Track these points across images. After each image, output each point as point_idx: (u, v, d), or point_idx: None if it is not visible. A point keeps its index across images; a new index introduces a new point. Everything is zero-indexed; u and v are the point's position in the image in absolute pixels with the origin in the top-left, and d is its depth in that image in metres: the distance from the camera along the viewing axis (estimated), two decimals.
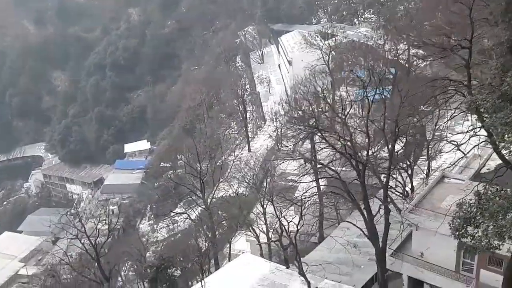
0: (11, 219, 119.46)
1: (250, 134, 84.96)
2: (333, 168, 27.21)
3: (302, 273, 22.32)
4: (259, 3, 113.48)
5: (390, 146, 26.72)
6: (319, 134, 26.14)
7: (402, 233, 23.41)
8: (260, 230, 39.62)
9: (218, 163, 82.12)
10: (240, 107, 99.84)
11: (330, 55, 67.51)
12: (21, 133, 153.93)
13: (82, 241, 44.72)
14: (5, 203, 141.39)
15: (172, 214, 62.14)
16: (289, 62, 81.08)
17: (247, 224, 39.24)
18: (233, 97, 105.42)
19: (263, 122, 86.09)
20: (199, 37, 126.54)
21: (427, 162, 37.92)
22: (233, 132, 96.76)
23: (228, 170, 53.91)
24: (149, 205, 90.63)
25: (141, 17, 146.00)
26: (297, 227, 27.82)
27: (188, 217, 48.32)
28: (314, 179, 45.53)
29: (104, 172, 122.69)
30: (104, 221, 76.59)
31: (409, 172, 34.58)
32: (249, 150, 73.61)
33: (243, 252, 50.35)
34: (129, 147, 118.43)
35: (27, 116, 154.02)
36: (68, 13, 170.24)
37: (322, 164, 26.89)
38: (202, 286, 21.85)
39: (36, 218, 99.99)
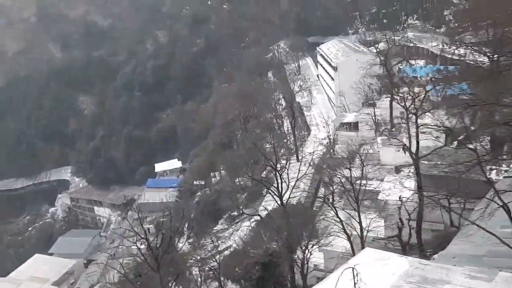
0: (38, 245, 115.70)
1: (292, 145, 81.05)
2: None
3: None
4: (292, 16, 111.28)
5: None
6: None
7: None
8: (353, 230, 34.64)
9: (263, 174, 78.28)
10: (277, 120, 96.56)
11: (386, 56, 63.48)
12: (46, 157, 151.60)
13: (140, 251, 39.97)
14: (30, 228, 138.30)
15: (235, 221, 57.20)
16: (335, 68, 77.34)
17: (341, 224, 34.25)
18: (268, 111, 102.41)
19: (306, 133, 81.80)
20: (229, 54, 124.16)
21: None
22: (270, 146, 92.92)
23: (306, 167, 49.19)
24: (187, 223, 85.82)
25: (169, 37, 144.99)
26: None
27: (259, 217, 43.16)
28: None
29: (134, 193, 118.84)
30: (141, 241, 71.96)
31: None
32: (298, 159, 68.93)
33: (315, 265, 45.11)
34: (159, 167, 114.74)
35: (53, 140, 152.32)
36: (93, 37, 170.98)
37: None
38: (355, 276, 16.87)
39: (67, 239, 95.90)
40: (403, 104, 35.96)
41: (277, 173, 36.91)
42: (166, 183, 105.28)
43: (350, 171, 35.01)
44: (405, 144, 34.26)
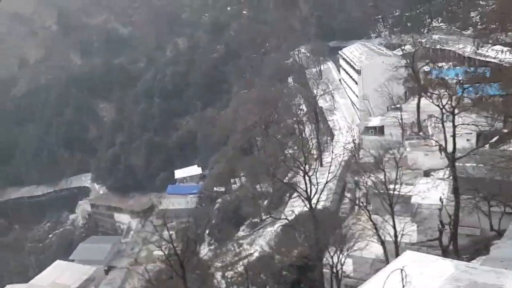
0: (58, 252, 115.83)
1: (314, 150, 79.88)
2: None
3: None
4: (313, 21, 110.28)
5: None
6: None
7: None
8: (386, 235, 33.05)
9: (285, 180, 76.75)
10: (299, 125, 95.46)
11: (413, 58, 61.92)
12: (66, 164, 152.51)
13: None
14: (50, 235, 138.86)
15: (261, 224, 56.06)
16: (358, 72, 75.92)
17: (374, 228, 32.67)
18: (289, 116, 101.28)
19: (329, 138, 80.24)
20: (249, 60, 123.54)
21: None
22: (292, 151, 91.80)
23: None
24: (207, 230, 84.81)
25: (189, 43, 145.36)
26: None
27: (287, 221, 41.73)
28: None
29: (155, 200, 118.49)
30: (164, 246, 70.78)
31: None
32: (321, 165, 67.43)
33: (343, 272, 43.45)
34: (179, 173, 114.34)
35: (73, 147, 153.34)
36: (113, 44, 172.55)
37: None
38: (403, 278, 15.55)
39: (88, 246, 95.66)
40: (438, 103, 34.38)
41: (306, 175, 35.57)
42: (186, 190, 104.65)
43: (385, 174, 33.49)
44: (441, 145, 32.67)
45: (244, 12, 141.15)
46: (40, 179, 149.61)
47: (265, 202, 79.16)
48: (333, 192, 56.97)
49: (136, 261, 69.15)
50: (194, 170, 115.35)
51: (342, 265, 32.60)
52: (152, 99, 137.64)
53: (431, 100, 35.89)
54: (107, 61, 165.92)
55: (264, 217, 74.95)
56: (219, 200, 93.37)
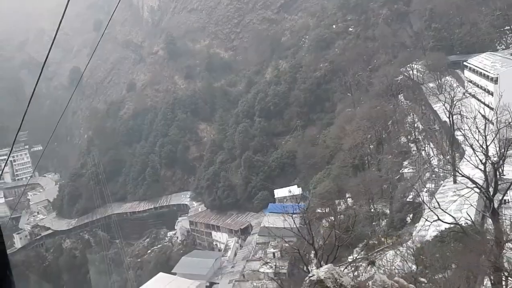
0: (156, 267, 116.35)
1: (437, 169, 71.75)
2: None
3: None
4: (431, 33, 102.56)
5: None
6: None
7: None
8: None
9: (409, 198, 69.15)
10: (416, 144, 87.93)
11: None
12: (168, 182, 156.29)
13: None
14: (149, 251, 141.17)
15: None
16: (494, 81, 67.31)
17: None
18: (402, 134, 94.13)
19: (457, 154, 71.54)
20: (355, 77, 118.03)
21: None
22: (409, 172, 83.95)
23: None
24: (313, 251, 78.90)
25: (290, 63, 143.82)
26: None
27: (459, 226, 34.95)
28: None
29: (252, 219, 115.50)
30: (269, 264, 66.21)
31: None
32: (455, 181, 59.31)
33: None
34: (279, 193, 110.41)
35: (174, 166, 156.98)
36: (215, 68, 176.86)
37: None
38: None
39: (190, 260, 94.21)
40: None
41: (493, 167, 29.03)
42: (288, 209, 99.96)
43: None
44: None
45: (351, 29, 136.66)
46: (143, 195, 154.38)
47: (383, 223, 72.08)
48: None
49: (244, 276, 65.37)
50: (294, 189, 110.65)
51: None
52: (253, 119, 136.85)
53: None
54: (208, 84, 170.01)
55: (383, 239, 67.70)
56: (324, 220, 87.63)
